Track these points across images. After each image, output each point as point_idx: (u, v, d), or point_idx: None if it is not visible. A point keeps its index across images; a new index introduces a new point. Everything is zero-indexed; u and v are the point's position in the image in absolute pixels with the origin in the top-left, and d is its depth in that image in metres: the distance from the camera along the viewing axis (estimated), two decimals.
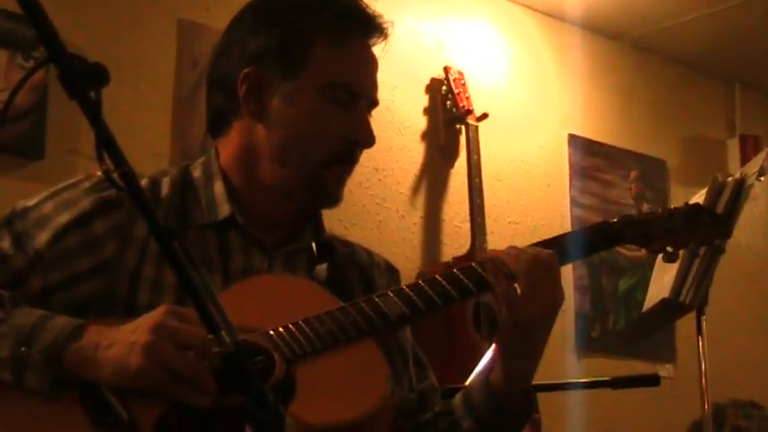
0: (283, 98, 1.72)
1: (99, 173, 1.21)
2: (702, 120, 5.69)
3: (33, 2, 1.19)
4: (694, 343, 3.14)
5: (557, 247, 1.73)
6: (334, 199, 1.76)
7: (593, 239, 1.84)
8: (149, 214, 1.24)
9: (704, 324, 3.04)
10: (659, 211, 1.88)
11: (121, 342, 1.42)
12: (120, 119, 3.10)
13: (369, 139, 1.75)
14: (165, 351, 1.39)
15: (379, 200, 4.26)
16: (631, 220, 1.85)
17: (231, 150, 1.76)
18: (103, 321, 1.50)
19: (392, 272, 1.91)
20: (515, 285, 1.65)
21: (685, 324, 3.46)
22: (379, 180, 4.25)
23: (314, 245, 1.79)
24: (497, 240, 4.33)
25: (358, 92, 1.74)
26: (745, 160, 5.33)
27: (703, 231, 1.89)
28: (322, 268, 1.78)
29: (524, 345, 1.68)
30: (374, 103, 1.79)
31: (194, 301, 1.21)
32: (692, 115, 5.63)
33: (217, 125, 1.79)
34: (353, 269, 1.83)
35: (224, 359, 1.21)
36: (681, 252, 2.89)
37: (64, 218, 1.62)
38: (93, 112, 1.21)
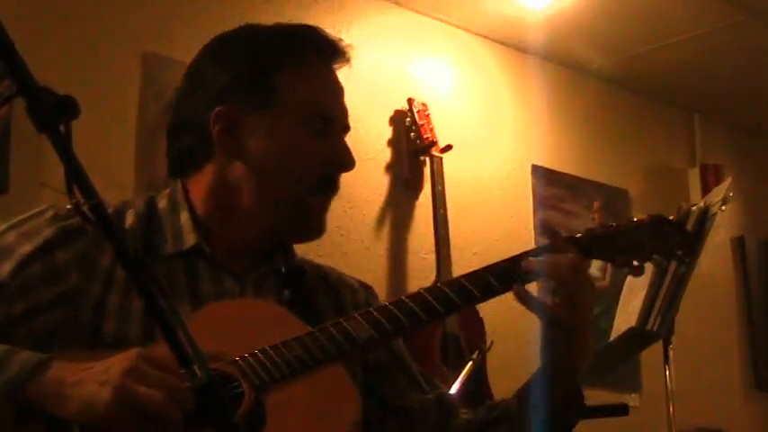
0: (259, 132, 1.72)
1: (68, 205, 1.20)
2: (664, 149, 5.74)
3: (1, 32, 1.18)
4: (660, 371, 3.15)
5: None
6: (319, 229, 1.77)
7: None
8: (119, 245, 1.23)
9: (671, 353, 3.06)
10: (624, 223, 1.86)
11: (90, 380, 1.40)
12: (84, 151, 3.06)
13: (349, 161, 1.76)
14: (135, 392, 1.37)
15: (344, 231, 4.25)
16: (595, 233, 1.82)
17: (204, 188, 1.75)
18: (67, 353, 1.48)
19: (367, 288, 1.90)
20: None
21: (650, 352, 3.48)
22: (344, 212, 4.25)
23: (283, 269, 1.78)
24: (463, 271, 4.27)
25: (332, 118, 1.75)
26: (706, 189, 5.38)
27: (668, 242, 1.87)
28: (291, 292, 1.77)
29: (575, 343, 1.69)
30: (347, 128, 1.80)
31: (164, 332, 1.20)
32: (653, 145, 5.68)
33: (185, 166, 1.78)
34: (323, 290, 1.83)
35: (197, 392, 1.20)
36: (646, 280, 2.93)
37: (26, 248, 1.61)
38: (63, 145, 1.20)
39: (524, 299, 1.68)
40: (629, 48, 5.11)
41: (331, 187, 1.76)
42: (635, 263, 1.84)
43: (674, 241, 1.88)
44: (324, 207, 1.76)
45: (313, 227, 1.76)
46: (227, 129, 1.72)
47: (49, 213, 1.66)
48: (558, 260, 1.67)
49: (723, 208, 2.97)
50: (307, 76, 1.74)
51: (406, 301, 1.67)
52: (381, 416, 1.76)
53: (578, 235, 1.82)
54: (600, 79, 5.41)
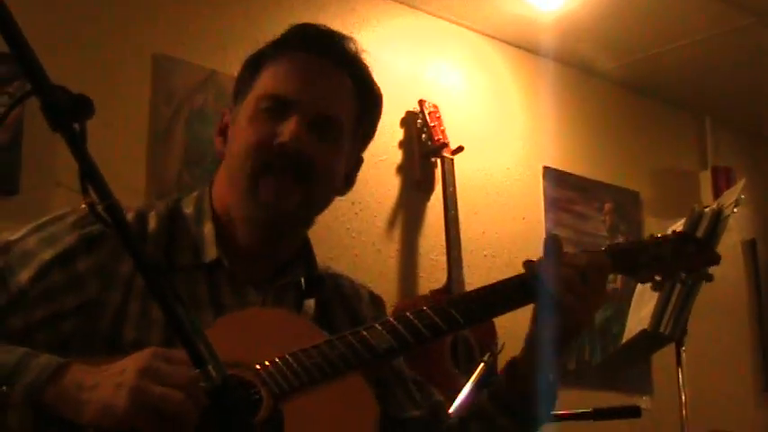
0: (232, 123, 1.75)
1: (83, 206, 1.20)
2: (675, 152, 5.73)
3: (17, 33, 1.18)
4: (671, 374, 3.14)
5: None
6: (270, 209, 1.67)
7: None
8: (133, 249, 1.22)
9: (683, 356, 3.05)
10: (647, 239, 1.87)
11: (106, 384, 1.39)
12: (94, 153, 3.06)
13: (290, 139, 1.65)
14: (152, 393, 1.36)
15: (356, 233, 4.24)
16: (619, 248, 1.84)
17: (216, 189, 1.77)
18: (86, 359, 1.47)
19: (377, 302, 1.90)
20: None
21: (662, 355, 3.47)
22: (356, 214, 4.24)
23: (303, 280, 1.77)
24: (474, 273, 4.32)
25: (293, 101, 1.68)
26: (717, 192, 5.36)
27: (691, 259, 1.88)
28: (310, 303, 1.76)
29: (571, 342, 1.72)
30: (319, 115, 1.70)
31: (180, 336, 1.19)
32: (664, 147, 5.67)
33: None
34: (339, 302, 1.82)
35: (210, 394, 1.20)
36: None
37: (47, 254, 1.60)
38: (78, 145, 1.20)
39: (537, 277, 1.70)
40: (639, 50, 5.10)
41: (277, 167, 1.66)
42: (657, 278, 1.85)
43: (698, 258, 1.89)
44: (272, 187, 1.66)
45: (263, 207, 1.67)
46: (223, 128, 1.76)
47: (71, 218, 1.65)
48: (593, 260, 1.71)
49: (736, 210, 2.97)
50: (277, 64, 1.73)
51: (428, 311, 1.67)
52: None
53: (602, 249, 1.83)
54: (611, 81, 5.40)
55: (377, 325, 1.64)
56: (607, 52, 5.11)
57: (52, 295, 1.58)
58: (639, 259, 1.84)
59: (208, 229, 1.71)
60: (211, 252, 1.68)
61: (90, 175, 1.21)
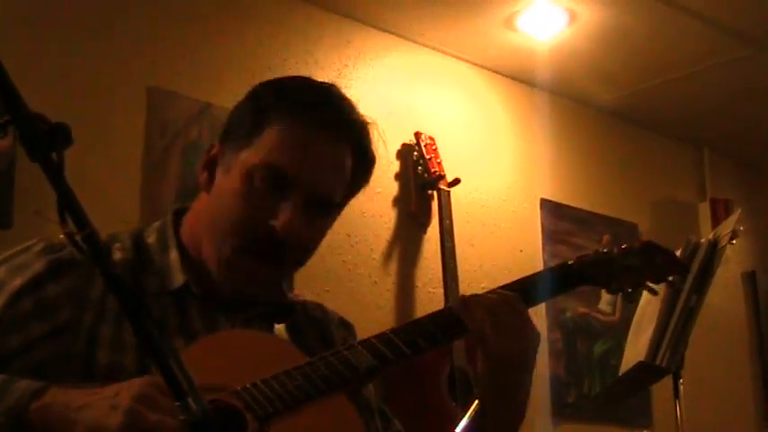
0: (223, 169, 1.69)
1: (61, 236, 1.18)
2: (673, 183, 5.72)
3: None
4: (670, 407, 3.12)
5: (520, 290, 1.75)
6: (245, 289, 1.67)
7: (555, 281, 1.84)
8: (112, 275, 1.21)
9: (681, 388, 3.02)
10: (615, 249, 1.88)
11: (99, 405, 1.37)
12: (89, 185, 3.07)
13: (285, 228, 1.61)
14: (147, 418, 1.34)
15: (352, 266, 4.23)
16: (587, 260, 1.86)
17: (188, 219, 1.74)
18: (62, 384, 1.46)
19: (346, 325, 1.89)
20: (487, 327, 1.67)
21: (661, 387, 3.44)
22: (351, 246, 4.23)
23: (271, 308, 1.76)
24: None
25: (292, 179, 1.63)
26: (716, 223, 5.35)
27: (659, 268, 1.90)
28: (281, 328, 1.74)
29: (506, 388, 1.70)
30: (317, 195, 1.66)
31: (158, 363, 1.18)
32: (662, 179, 5.66)
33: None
34: (308, 324, 1.81)
35: (192, 427, 1.18)
36: (655, 314, 2.90)
37: (16, 282, 1.58)
38: (55, 174, 1.18)
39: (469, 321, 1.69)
40: (637, 81, 5.10)
41: (263, 252, 1.63)
42: (629, 289, 1.88)
43: (666, 268, 1.92)
44: (254, 273, 1.65)
45: (239, 289, 1.67)
46: (209, 163, 1.71)
47: (39, 246, 1.64)
48: (486, 296, 1.71)
49: (733, 242, 2.95)
50: (288, 132, 1.65)
51: (408, 328, 1.68)
52: None
53: (570, 262, 1.86)
54: (608, 113, 5.40)
55: (357, 345, 1.64)
56: (604, 84, 5.11)
57: (24, 322, 1.56)
58: (610, 270, 1.86)
59: (173, 256, 1.69)
60: (178, 278, 1.67)
61: (68, 205, 1.19)
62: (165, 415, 1.34)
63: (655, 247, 1.91)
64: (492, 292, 1.73)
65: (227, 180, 1.67)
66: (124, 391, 1.38)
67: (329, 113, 1.68)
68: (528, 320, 1.70)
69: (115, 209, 3.49)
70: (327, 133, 1.67)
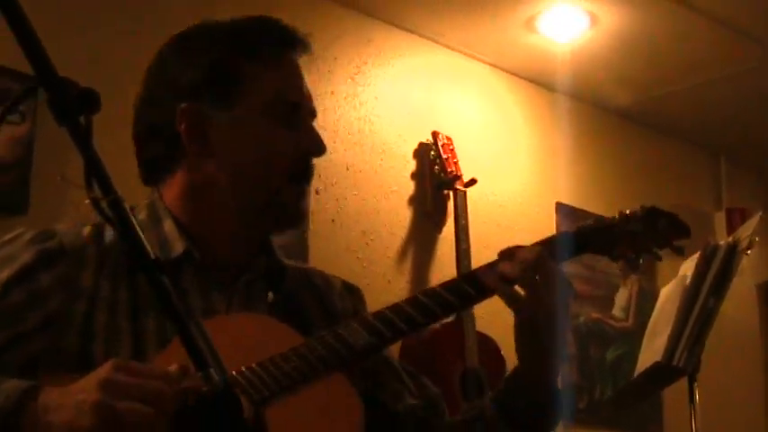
0: (227, 127, 1.68)
1: (86, 200, 1.17)
2: (689, 191, 5.69)
3: (23, 23, 1.16)
4: (683, 412, 3.10)
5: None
6: (296, 218, 1.74)
7: (555, 250, 1.80)
8: (136, 245, 1.20)
9: (696, 391, 3.01)
10: (616, 217, 1.86)
11: (69, 403, 1.33)
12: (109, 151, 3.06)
13: (319, 148, 1.73)
14: (114, 408, 1.29)
15: (366, 264, 4.21)
16: (589, 227, 1.84)
17: (177, 191, 1.71)
18: (55, 377, 1.43)
19: (352, 290, 1.88)
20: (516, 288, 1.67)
21: (673, 392, 3.42)
22: (366, 244, 4.22)
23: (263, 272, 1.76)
24: (484, 306, 4.21)
25: (298, 103, 1.73)
26: (731, 233, 5.31)
27: (664, 233, 1.87)
28: (274, 294, 1.74)
29: (542, 340, 1.69)
30: (313, 113, 1.78)
31: (181, 334, 1.17)
32: (678, 186, 5.63)
33: (157, 173, 1.74)
34: (310, 295, 1.79)
35: (212, 397, 1.17)
36: (671, 316, 2.88)
37: (5, 274, 1.56)
38: (83, 139, 1.18)
39: (504, 294, 1.69)
40: (656, 86, 5.09)
41: (305, 176, 1.73)
42: (632, 256, 1.85)
43: (670, 232, 1.88)
44: (299, 196, 1.73)
45: (291, 218, 1.73)
46: (194, 126, 1.68)
47: (26, 237, 1.62)
48: (524, 255, 1.72)
49: (749, 252, 2.94)
50: (269, 66, 1.72)
51: (404, 305, 1.65)
52: (375, 421, 1.72)
53: (573, 231, 1.85)
54: (626, 118, 5.38)
55: (354, 323, 1.62)
56: (623, 88, 5.10)
57: (15, 314, 1.54)
58: (612, 237, 1.83)
59: (168, 225, 1.68)
60: (177, 246, 1.66)
61: (94, 171, 1.18)
62: (133, 398, 1.29)
63: (658, 212, 1.88)
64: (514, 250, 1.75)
65: (243, 133, 1.68)
66: (91, 383, 1.33)
67: (290, 37, 1.77)
68: (557, 273, 1.70)
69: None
70: (296, 53, 1.77)
